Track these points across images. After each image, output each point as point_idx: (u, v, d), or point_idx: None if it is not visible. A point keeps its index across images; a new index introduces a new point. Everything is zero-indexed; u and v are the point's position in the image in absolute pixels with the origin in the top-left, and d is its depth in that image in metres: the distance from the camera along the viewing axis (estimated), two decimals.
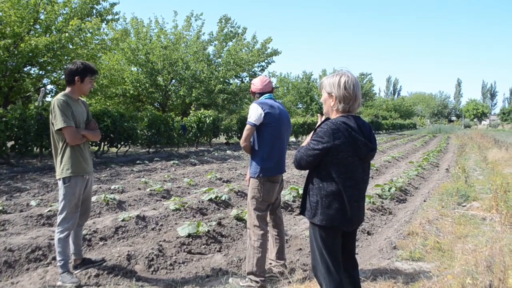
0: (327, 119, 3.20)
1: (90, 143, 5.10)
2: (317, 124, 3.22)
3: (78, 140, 4.43)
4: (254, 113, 4.51)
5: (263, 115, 4.49)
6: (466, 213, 7.49)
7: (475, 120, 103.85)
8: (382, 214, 8.08)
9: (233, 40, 29.57)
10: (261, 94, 4.76)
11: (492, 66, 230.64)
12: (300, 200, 8.43)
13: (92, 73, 4.56)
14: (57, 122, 4.32)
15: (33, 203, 7.82)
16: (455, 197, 8.71)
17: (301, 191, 8.71)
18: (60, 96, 4.43)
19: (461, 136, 39.33)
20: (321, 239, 3.16)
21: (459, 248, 5.44)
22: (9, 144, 12.54)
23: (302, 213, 3.32)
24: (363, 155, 3.13)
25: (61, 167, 4.40)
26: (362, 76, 62.05)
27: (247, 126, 4.56)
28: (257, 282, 4.47)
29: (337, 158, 3.05)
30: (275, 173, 4.65)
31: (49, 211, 7.01)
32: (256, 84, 4.80)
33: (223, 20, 29.50)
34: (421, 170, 13.91)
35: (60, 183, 4.46)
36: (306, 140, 3.29)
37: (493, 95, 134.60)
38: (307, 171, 3.35)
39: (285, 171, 4.88)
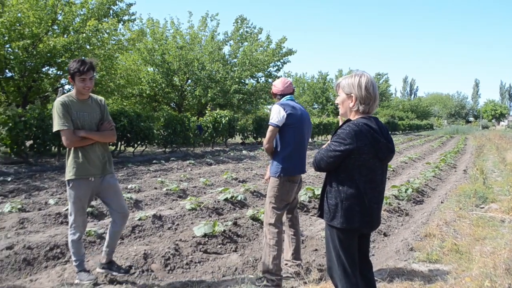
0: (348, 120, 3.17)
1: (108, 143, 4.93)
2: (339, 126, 3.20)
3: (75, 143, 4.30)
4: (277, 114, 4.56)
5: (285, 116, 4.54)
6: (484, 215, 7.40)
7: (493, 121, 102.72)
8: (398, 215, 8.02)
9: (248, 40, 29.56)
10: (282, 95, 4.81)
11: (511, 66, 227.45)
12: (316, 200, 8.42)
13: (79, 72, 4.24)
14: (54, 124, 4.29)
15: (51, 201, 7.91)
16: (473, 198, 8.61)
17: (317, 192, 8.69)
18: (60, 97, 4.37)
19: (479, 137, 38.89)
20: (339, 240, 3.14)
21: (477, 250, 5.38)
22: (28, 143, 12.72)
23: (320, 216, 3.30)
24: (383, 157, 3.11)
25: (66, 169, 4.38)
26: (378, 76, 61.70)
27: (270, 128, 4.59)
28: (273, 280, 4.48)
29: (359, 160, 3.02)
30: (296, 173, 4.69)
31: (67, 209, 7.07)
32: (278, 86, 4.85)
33: (239, 21, 29.51)
34: (438, 171, 13.78)
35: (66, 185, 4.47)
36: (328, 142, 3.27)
37: (511, 96, 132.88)
38: (320, 175, 3.34)
39: (305, 171, 4.90)
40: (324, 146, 3.22)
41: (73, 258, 4.49)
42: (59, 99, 4.33)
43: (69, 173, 4.34)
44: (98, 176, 4.46)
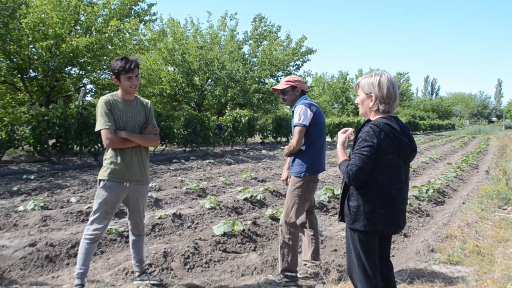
0: (368, 121, 3.14)
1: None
2: (357, 132, 3.17)
3: (116, 144, 4.08)
4: (305, 114, 4.50)
5: (312, 115, 4.51)
6: (507, 216, 7.28)
7: None
8: (419, 216, 7.94)
9: (268, 39, 29.58)
10: (304, 93, 4.80)
11: None
12: (335, 200, 8.38)
13: (125, 71, 4.07)
14: (96, 124, 4.11)
15: (73, 199, 8.02)
16: (495, 200, 8.48)
17: (336, 192, 8.65)
18: (105, 96, 4.19)
19: (501, 137, 38.16)
20: (360, 242, 3.11)
21: (499, 252, 5.30)
22: (51, 142, 12.91)
23: (342, 219, 3.27)
24: (406, 156, 3.07)
25: (102, 169, 4.17)
26: (399, 76, 61.17)
27: (299, 128, 4.49)
28: (293, 277, 4.54)
29: (383, 161, 2.98)
30: (319, 172, 4.70)
31: (88, 207, 7.18)
32: (302, 81, 4.80)
33: (258, 19, 29.56)
34: (459, 172, 13.60)
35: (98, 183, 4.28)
36: (339, 152, 3.24)
37: None
38: (340, 175, 3.29)
39: (325, 169, 4.87)
40: (341, 158, 3.18)
41: (77, 266, 4.15)
42: (103, 98, 4.16)
43: (103, 173, 4.13)
44: (135, 183, 4.24)
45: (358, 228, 3.06)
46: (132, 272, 4.66)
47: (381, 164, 2.99)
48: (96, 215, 4.15)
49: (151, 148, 16.98)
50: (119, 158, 4.13)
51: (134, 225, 4.46)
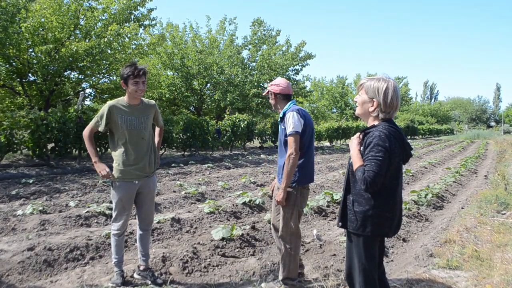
0: (373, 126, 3.13)
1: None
2: (363, 136, 3.14)
3: (85, 138, 4.45)
4: (297, 121, 4.25)
5: (303, 122, 4.30)
6: (505, 221, 7.28)
7: None
8: (418, 221, 7.94)
9: (267, 43, 29.62)
10: (287, 97, 4.54)
11: None
12: (334, 205, 8.38)
13: (133, 75, 4.27)
14: None
15: (71, 204, 8.01)
16: (494, 204, 8.48)
17: (335, 196, 8.65)
18: (112, 101, 4.46)
19: (500, 142, 38.17)
20: (365, 247, 3.09)
21: (498, 257, 5.30)
22: (50, 146, 12.91)
23: (343, 226, 3.21)
24: (408, 158, 3.11)
25: (114, 168, 4.47)
26: (398, 80, 61.15)
27: (295, 137, 4.22)
28: (293, 285, 4.51)
29: (392, 164, 2.97)
30: (309, 182, 4.53)
31: (87, 212, 7.17)
32: (283, 85, 4.53)
33: (256, 24, 29.58)
34: (458, 177, 13.61)
35: None
36: (356, 157, 3.08)
37: None
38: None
39: (313, 180, 4.70)
40: (358, 163, 3.03)
41: (112, 256, 4.62)
42: (109, 102, 4.44)
43: (115, 173, 4.43)
44: (143, 179, 4.55)
45: (366, 233, 3.05)
46: (131, 276, 4.74)
47: (391, 167, 2.99)
48: (115, 212, 4.54)
49: None
50: (126, 158, 4.43)
51: (142, 219, 4.70)
